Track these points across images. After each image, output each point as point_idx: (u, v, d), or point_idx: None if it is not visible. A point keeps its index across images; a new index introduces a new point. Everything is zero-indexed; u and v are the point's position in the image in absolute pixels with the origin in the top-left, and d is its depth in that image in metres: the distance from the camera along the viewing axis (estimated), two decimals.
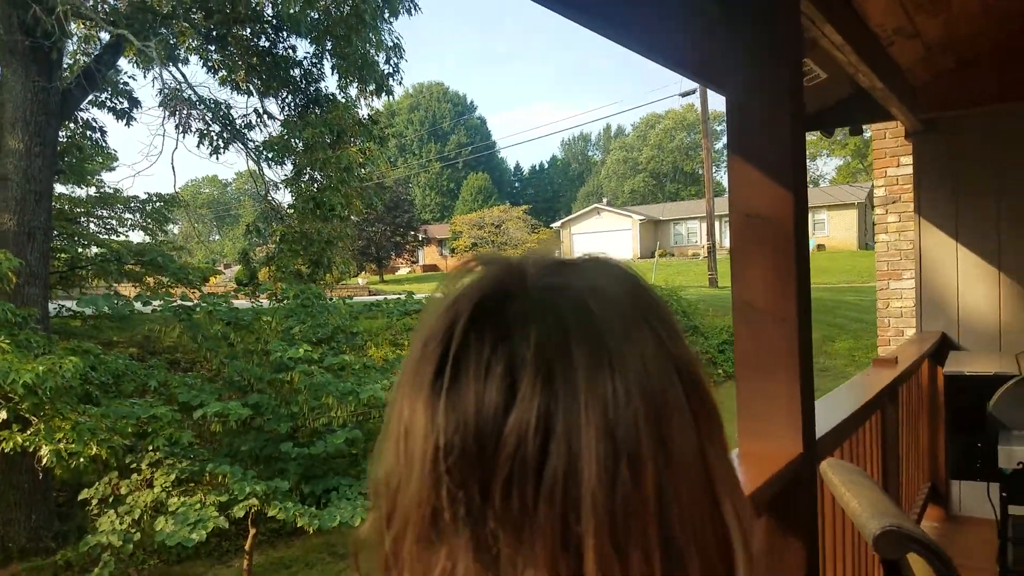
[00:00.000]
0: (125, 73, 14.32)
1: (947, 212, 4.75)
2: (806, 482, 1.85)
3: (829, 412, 2.49)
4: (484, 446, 0.47)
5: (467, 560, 0.48)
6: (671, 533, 0.48)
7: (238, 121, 12.55)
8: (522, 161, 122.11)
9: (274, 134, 12.24)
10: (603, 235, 43.70)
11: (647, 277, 24.23)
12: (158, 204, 13.66)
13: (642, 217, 43.76)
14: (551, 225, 46.58)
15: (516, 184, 73.62)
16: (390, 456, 0.52)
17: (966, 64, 4.19)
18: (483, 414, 0.48)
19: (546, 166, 76.43)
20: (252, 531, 7.31)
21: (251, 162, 12.50)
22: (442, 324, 0.51)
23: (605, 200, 52.89)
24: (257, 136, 12.58)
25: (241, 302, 10.59)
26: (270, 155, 12.12)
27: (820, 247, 39.06)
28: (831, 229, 39.33)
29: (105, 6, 10.69)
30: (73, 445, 6.34)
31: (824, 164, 54.14)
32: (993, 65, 4.22)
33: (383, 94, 12.48)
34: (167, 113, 12.35)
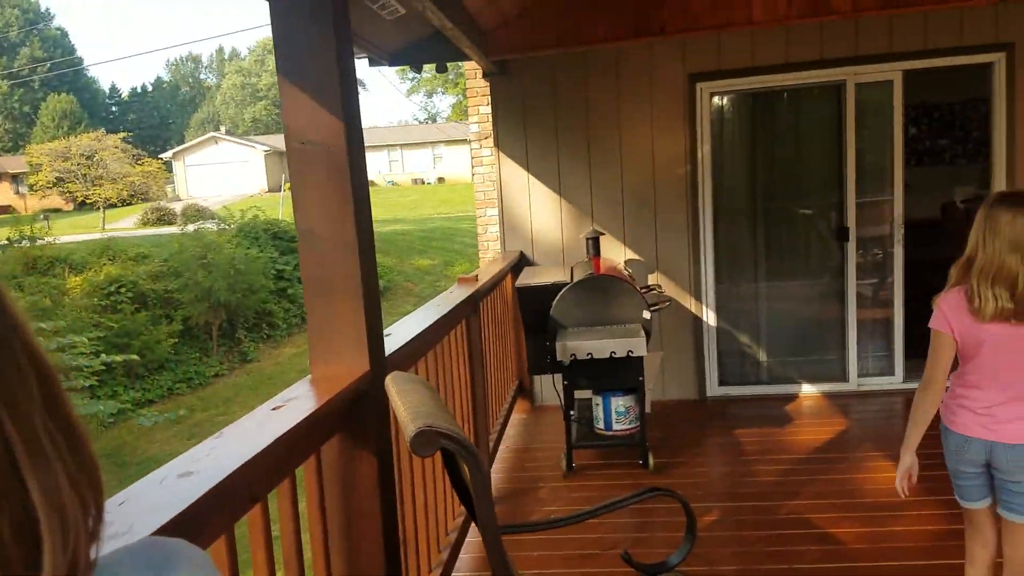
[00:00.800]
0: None
1: (519, 146, 5.37)
2: (373, 398, 1.97)
3: (409, 328, 2.69)
4: None
5: None
6: None
7: None
8: (119, 82, 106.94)
9: None
10: (224, 167, 40.77)
11: (273, 212, 23.35)
12: None
13: (267, 148, 41.72)
14: (160, 156, 41.94)
15: (114, 108, 64.43)
16: None
17: (528, 12, 4.69)
18: None
19: (150, 88, 68.06)
20: None
21: None
22: None
23: (224, 129, 49.20)
24: None
25: None
26: None
27: (441, 180, 41.63)
28: (450, 163, 41.98)
29: None
30: None
31: (440, 100, 57.21)
32: (551, 13, 4.80)
33: None
34: None
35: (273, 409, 1.72)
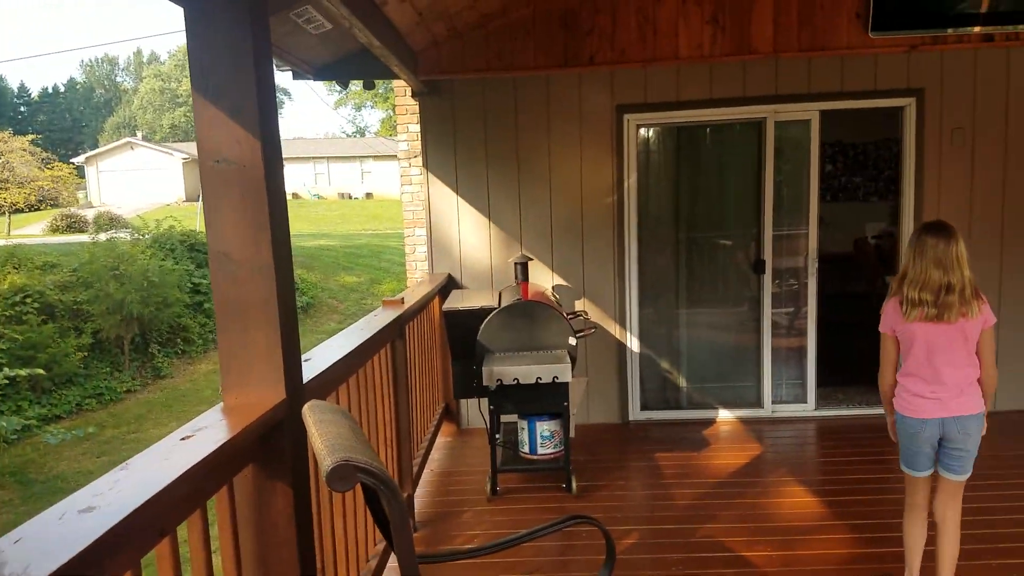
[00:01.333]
0: None
1: (449, 169, 5.36)
2: (289, 427, 1.90)
3: (330, 353, 2.62)
4: None
5: None
6: None
7: None
8: (29, 81, 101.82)
9: None
10: (140, 174, 39.21)
11: (191, 223, 22.58)
12: None
13: (186, 156, 40.36)
14: (72, 160, 40.02)
15: (22, 109, 61.32)
16: None
17: (458, 34, 4.70)
18: None
19: (63, 89, 65.07)
20: None
21: None
22: None
23: (140, 134, 47.39)
24: None
25: None
26: None
27: (369, 195, 41.18)
28: (378, 178, 41.58)
29: None
30: None
31: (369, 115, 56.72)
32: (482, 37, 4.82)
33: None
34: None
35: (182, 439, 1.64)
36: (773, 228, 5.34)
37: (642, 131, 5.44)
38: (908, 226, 5.28)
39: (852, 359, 6.90)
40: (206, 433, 1.66)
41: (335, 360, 2.44)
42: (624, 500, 4.15)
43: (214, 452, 1.56)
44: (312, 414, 1.76)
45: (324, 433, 1.60)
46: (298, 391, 1.99)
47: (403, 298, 4.04)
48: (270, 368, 1.87)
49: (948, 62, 5.10)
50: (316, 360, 2.42)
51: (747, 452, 4.81)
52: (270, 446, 1.87)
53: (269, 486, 1.89)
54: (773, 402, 5.51)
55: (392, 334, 3.65)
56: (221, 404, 1.88)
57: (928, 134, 5.18)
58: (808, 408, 5.51)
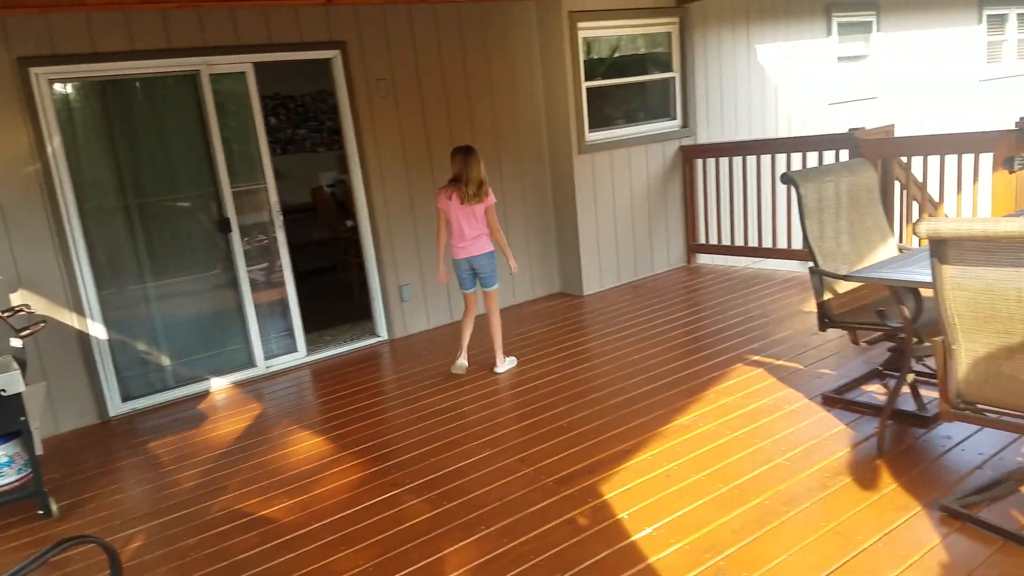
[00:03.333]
0: None
1: None
2: None
3: None
4: None
5: None
6: None
7: None
8: None
9: None
10: None
11: None
12: None
13: None
14: None
15: None
16: None
17: None
18: None
19: None
20: None
21: None
22: None
23: None
24: None
25: None
26: None
27: None
28: None
29: None
30: None
31: None
32: None
33: None
34: None
35: None
36: (232, 185, 5.22)
37: (58, 88, 4.68)
38: (359, 174, 5.72)
39: (333, 301, 7.33)
40: None
41: None
42: (121, 505, 3.69)
43: None
44: None
45: None
46: None
47: None
48: None
49: (362, 15, 5.58)
50: None
51: (249, 414, 4.73)
52: None
53: None
54: (266, 358, 5.51)
55: None
56: None
57: (357, 85, 5.63)
58: (300, 356, 5.67)
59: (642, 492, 3.16)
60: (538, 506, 3.13)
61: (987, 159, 4.88)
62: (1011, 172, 4.66)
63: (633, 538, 2.81)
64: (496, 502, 3.21)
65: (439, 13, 5.92)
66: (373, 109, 5.71)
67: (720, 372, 4.41)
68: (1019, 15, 11.31)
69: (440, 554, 2.87)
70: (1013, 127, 4.67)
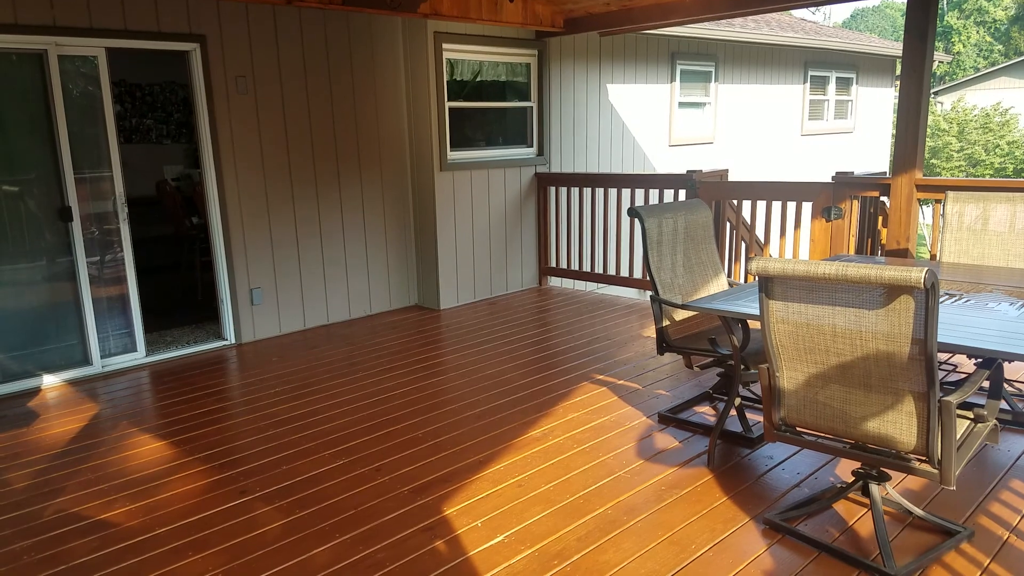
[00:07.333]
0: None
1: None
2: None
3: None
4: None
5: None
6: None
7: None
8: None
9: None
10: None
11: None
12: None
13: None
14: None
15: None
16: None
17: None
18: None
19: None
20: None
21: None
22: None
23: None
24: None
25: None
26: None
27: None
28: None
29: None
30: None
31: None
32: None
33: None
34: None
35: None
36: (75, 172, 4.90)
37: None
38: (212, 170, 5.54)
39: (174, 301, 6.99)
40: None
41: None
42: None
43: None
44: None
45: None
46: None
47: None
48: None
49: (225, 11, 5.44)
50: None
51: (84, 414, 4.45)
52: None
53: None
54: (102, 356, 5.19)
55: None
56: None
57: (215, 80, 5.47)
58: (139, 356, 5.39)
59: (495, 501, 3.33)
60: (394, 514, 3.22)
61: (808, 208, 5.56)
62: (828, 221, 5.35)
63: (486, 545, 2.97)
64: (352, 510, 3.26)
65: (304, 16, 5.88)
66: (231, 106, 5.57)
67: (568, 389, 4.71)
68: (839, 78, 12.84)
69: (294, 561, 2.88)
70: (830, 180, 5.37)
